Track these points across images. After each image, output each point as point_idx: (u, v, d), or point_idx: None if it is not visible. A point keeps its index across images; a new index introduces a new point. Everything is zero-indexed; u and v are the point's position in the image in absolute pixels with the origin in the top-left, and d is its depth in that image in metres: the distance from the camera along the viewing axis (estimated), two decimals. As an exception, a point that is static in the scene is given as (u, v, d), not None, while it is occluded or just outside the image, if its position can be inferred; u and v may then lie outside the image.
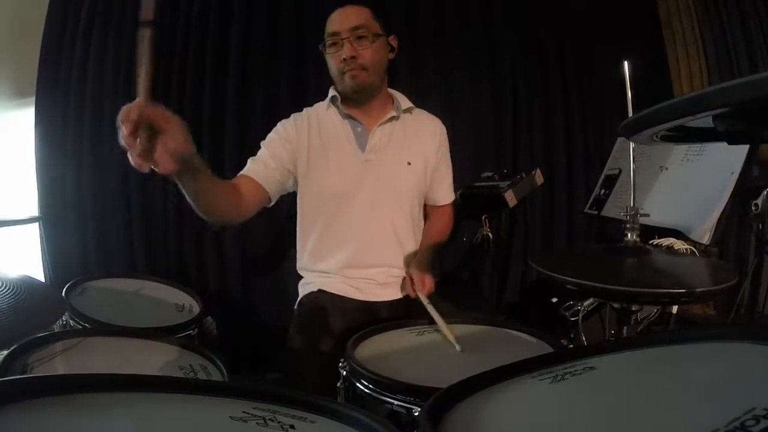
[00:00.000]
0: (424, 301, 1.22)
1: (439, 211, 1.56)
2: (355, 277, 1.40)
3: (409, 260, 1.41)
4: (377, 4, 1.41)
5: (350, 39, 1.32)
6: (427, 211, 1.56)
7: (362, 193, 1.39)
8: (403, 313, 1.38)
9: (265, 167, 1.36)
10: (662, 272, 1.09)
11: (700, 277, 1.11)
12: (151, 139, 0.83)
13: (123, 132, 0.80)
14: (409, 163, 1.43)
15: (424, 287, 1.27)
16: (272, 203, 1.40)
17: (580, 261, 1.22)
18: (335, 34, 1.34)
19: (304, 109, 1.47)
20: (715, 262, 1.37)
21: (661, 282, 1.01)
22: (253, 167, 1.36)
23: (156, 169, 0.86)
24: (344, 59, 1.32)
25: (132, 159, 0.82)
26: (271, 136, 1.42)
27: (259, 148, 1.41)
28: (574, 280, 0.98)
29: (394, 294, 1.41)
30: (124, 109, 0.81)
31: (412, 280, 1.32)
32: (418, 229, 1.49)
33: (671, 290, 0.94)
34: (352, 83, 1.34)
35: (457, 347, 1.00)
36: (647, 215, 1.22)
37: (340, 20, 1.34)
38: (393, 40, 1.42)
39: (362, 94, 1.38)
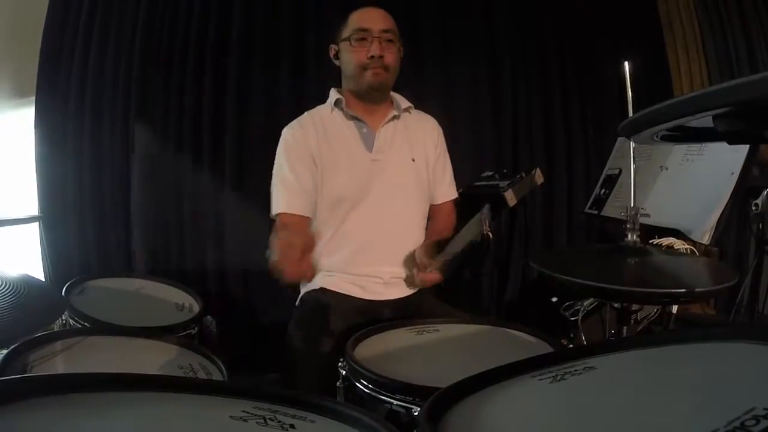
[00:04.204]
0: (436, 265, 1.26)
1: (440, 208, 1.56)
2: (359, 275, 1.40)
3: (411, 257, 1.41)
4: (380, 3, 1.41)
5: (380, 39, 1.35)
6: (429, 211, 1.56)
7: (372, 192, 1.39)
8: (405, 312, 1.37)
9: (303, 195, 1.37)
10: (662, 272, 1.09)
11: (701, 277, 1.11)
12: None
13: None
14: (414, 160, 1.44)
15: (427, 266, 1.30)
16: None
17: (580, 260, 1.22)
18: (365, 30, 1.36)
19: (305, 113, 1.47)
20: (715, 262, 1.37)
21: (661, 282, 1.01)
22: (292, 202, 1.36)
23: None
24: (372, 56, 1.35)
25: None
26: (288, 155, 1.40)
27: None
28: (574, 279, 0.97)
29: (397, 293, 1.41)
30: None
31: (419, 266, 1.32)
32: (424, 228, 1.49)
33: (671, 290, 0.94)
34: (372, 80, 1.36)
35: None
36: (647, 215, 1.22)
37: (372, 19, 1.37)
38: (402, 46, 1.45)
39: (378, 92, 1.41)
